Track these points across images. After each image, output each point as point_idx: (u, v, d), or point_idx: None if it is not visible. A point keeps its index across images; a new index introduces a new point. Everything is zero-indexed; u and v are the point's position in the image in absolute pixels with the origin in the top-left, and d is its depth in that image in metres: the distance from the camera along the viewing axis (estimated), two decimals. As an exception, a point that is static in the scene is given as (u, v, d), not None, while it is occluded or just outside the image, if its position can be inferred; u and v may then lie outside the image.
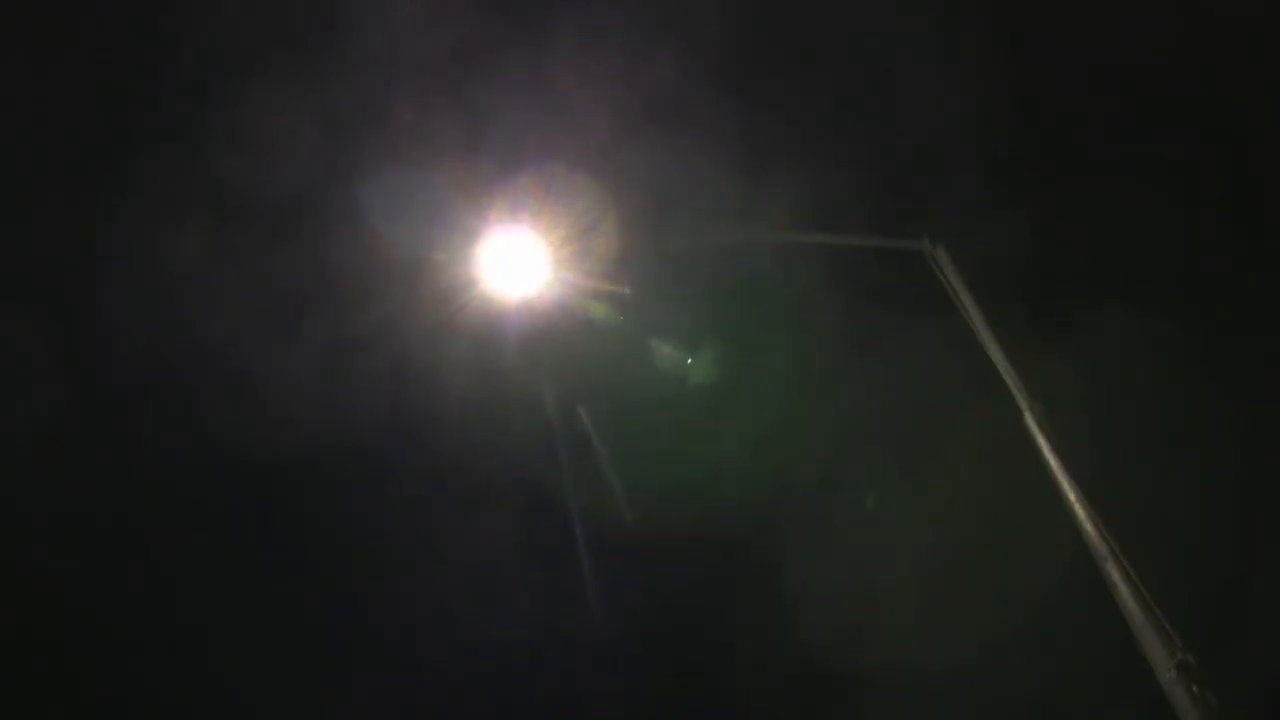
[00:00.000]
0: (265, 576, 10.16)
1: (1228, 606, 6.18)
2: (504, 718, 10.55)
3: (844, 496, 8.67)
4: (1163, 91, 7.40)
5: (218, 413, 9.30)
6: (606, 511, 9.25)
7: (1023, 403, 5.52)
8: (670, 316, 8.04)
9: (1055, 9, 7.59)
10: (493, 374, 8.52)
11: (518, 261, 7.04)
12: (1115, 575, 4.85)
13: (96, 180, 8.63)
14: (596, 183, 7.58)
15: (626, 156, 7.78)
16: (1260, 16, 7.19)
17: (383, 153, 8.10)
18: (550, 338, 7.56)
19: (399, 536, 10.29)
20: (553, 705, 10.21)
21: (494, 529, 9.91)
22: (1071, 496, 5.15)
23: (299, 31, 8.00)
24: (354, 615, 10.44)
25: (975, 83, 7.37)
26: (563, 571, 9.76)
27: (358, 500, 10.20)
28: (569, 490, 9.47)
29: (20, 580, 9.43)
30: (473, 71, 7.90)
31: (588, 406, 8.97)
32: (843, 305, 7.96)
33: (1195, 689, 4.46)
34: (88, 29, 8.13)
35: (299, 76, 8.01)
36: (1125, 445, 6.81)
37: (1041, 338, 6.60)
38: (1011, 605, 7.48)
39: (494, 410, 9.08)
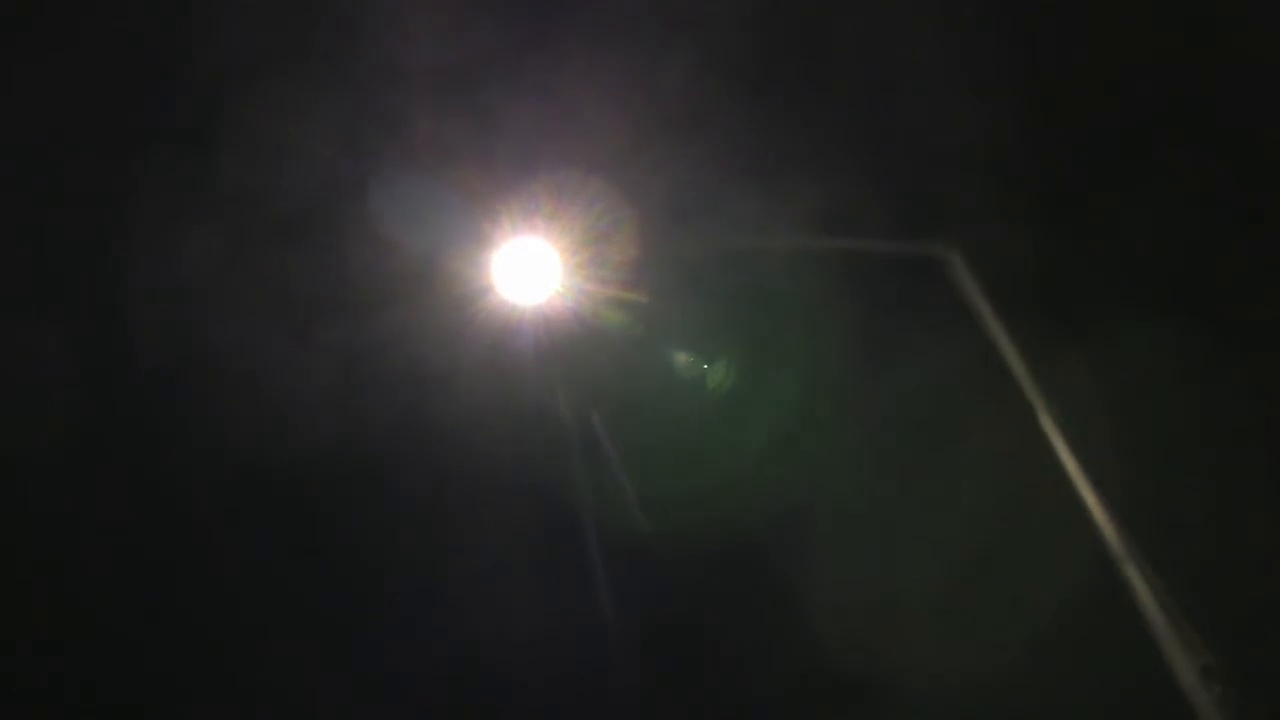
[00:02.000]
0: (269, 581, 10.14)
1: (1250, 608, 6.15)
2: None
3: (861, 502, 8.63)
4: (1182, 97, 7.41)
5: (225, 418, 9.30)
6: (621, 519, 9.22)
7: (1040, 406, 5.53)
8: (685, 323, 8.04)
9: (1076, 14, 7.60)
10: (506, 382, 8.51)
11: (531, 268, 7.04)
12: (1135, 577, 4.84)
13: (103, 183, 8.65)
14: (610, 189, 7.59)
15: (641, 162, 7.79)
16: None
17: (392, 157, 8.12)
18: (564, 345, 7.56)
19: (409, 544, 10.27)
20: (565, 713, 10.16)
21: (507, 537, 9.89)
22: (1090, 500, 5.15)
23: (309, 35, 8.03)
24: (361, 622, 10.41)
25: (993, 88, 7.38)
26: (576, 580, 9.73)
27: (366, 508, 10.19)
28: (583, 498, 9.45)
29: (27, 582, 9.44)
30: (485, 74, 7.92)
31: (602, 414, 8.96)
32: (858, 311, 7.95)
33: (1218, 692, 4.43)
34: (97, 29, 8.17)
35: (309, 80, 8.04)
36: (1144, 448, 6.79)
37: (1058, 341, 6.59)
38: (1029, 607, 7.45)
39: (507, 418, 9.07)
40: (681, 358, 8.38)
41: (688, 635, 9.85)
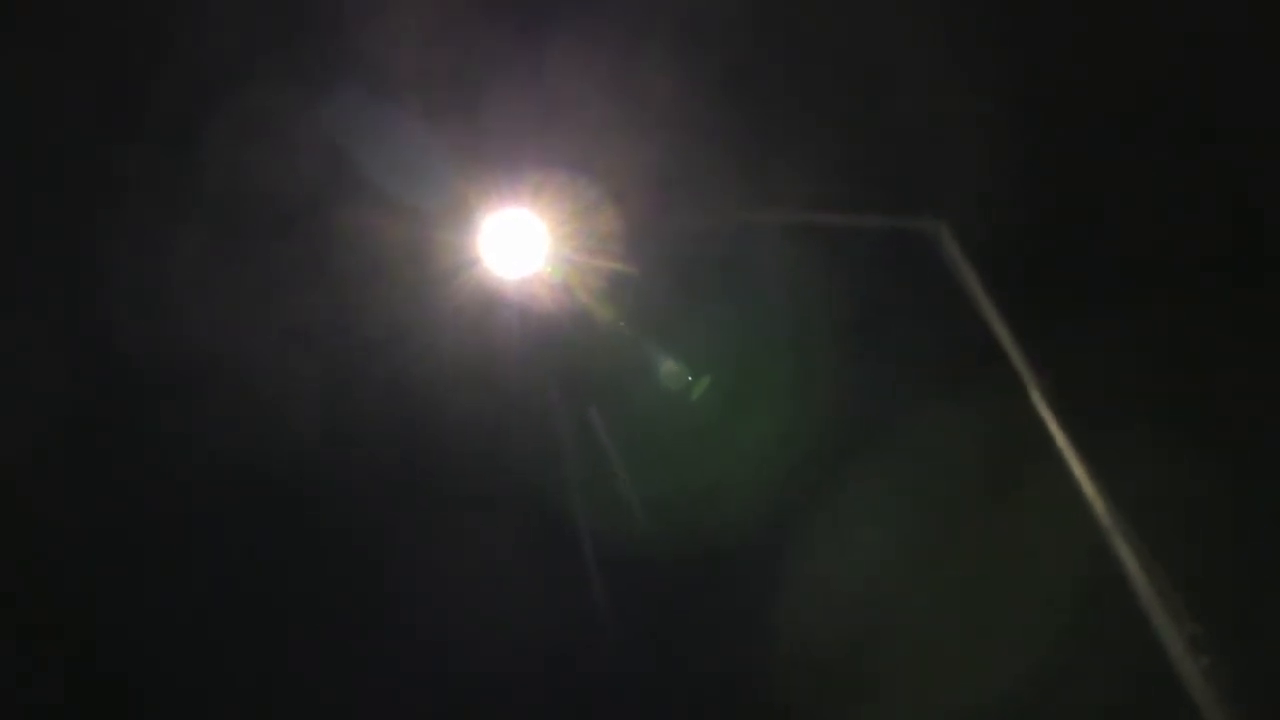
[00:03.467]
0: (250, 581, 10.07)
1: (1238, 580, 6.17)
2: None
3: (857, 486, 8.61)
4: (1172, 75, 7.44)
5: (201, 403, 9.22)
6: (608, 500, 9.17)
7: (1029, 380, 5.52)
8: (672, 297, 8.00)
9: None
10: (494, 357, 8.45)
11: (519, 241, 6.98)
12: (1124, 551, 4.84)
13: (90, 174, 8.57)
14: (598, 163, 7.54)
15: (630, 138, 7.76)
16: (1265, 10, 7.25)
17: (374, 128, 8.05)
18: (551, 317, 7.51)
19: (394, 538, 10.19)
20: (559, 712, 10.11)
21: (495, 531, 9.82)
22: (1079, 473, 5.14)
23: (294, 13, 7.96)
24: (352, 615, 10.34)
25: (982, 61, 7.39)
26: (567, 577, 9.66)
27: (354, 493, 10.10)
28: (570, 479, 9.39)
29: (23, 581, 9.37)
30: (472, 51, 7.87)
31: (590, 397, 8.90)
32: (848, 287, 7.94)
33: (1204, 661, 4.44)
34: (83, 26, 8.09)
35: (296, 59, 7.97)
36: (1134, 421, 6.81)
37: (1048, 315, 6.60)
38: (1022, 583, 7.48)
39: (495, 396, 9.01)
40: (668, 335, 8.33)
41: (684, 634, 9.82)
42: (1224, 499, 6.69)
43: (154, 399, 9.42)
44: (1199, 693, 4.40)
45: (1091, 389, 6.20)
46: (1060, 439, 5.24)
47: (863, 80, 7.72)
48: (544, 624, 9.78)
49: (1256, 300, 7.17)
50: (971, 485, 7.85)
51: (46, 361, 8.78)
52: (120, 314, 8.84)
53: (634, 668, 9.69)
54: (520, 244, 6.92)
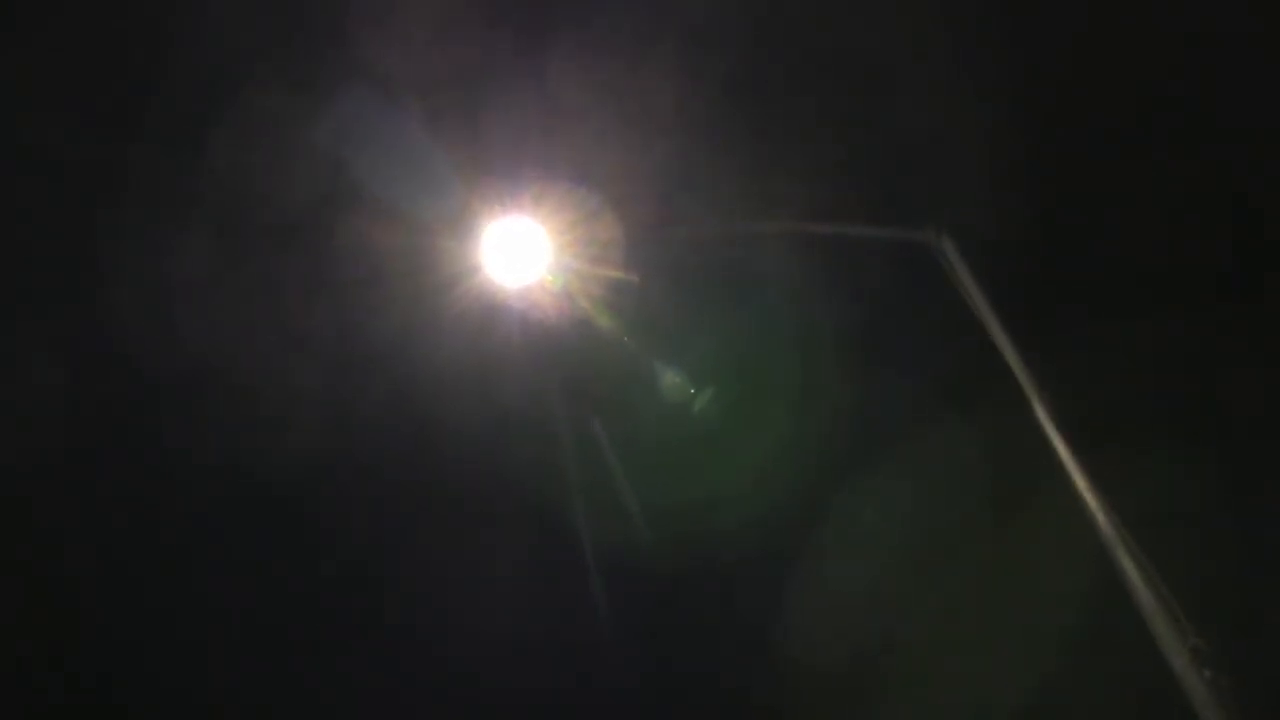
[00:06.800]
0: (253, 586, 10.07)
1: (1240, 593, 6.19)
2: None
3: (857, 498, 8.61)
4: (1170, 82, 7.45)
5: (205, 411, 9.22)
6: (610, 510, 9.17)
7: (1031, 392, 5.51)
8: (673, 307, 8.00)
9: (1067, 4, 7.64)
10: (495, 370, 8.46)
11: (520, 249, 6.98)
12: (1126, 563, 4.85)
13: (91, 177, 8.56)
14: (598, 171, 7.54)
15: (631, 145, 7.76)
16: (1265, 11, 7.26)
17: (376, 135, 8.04)
18: (552, 326, 7.52)
19: (396, 545, 10.19)
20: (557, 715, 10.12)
21: (497, 538, 9.82)
22: (1081, 485, 5.14)
23: (298, 20, 7.95)
24: (354, 618, 10.34)
25: (980, 72, 7.39)
26: (569, 585, 9.67)
27: (350, 505, 10.10)
28: (572, 495, 9.38)
29: (24, 583, 9.38)
30: (473, 51, 7.86)
31: (591, 405, 8.90)
32: (849, 298, 7.95)
33: (1207, 674, 4.45)
34: (85, 27, 8.07)
35: (296, 66, 7.96)
36: (1136, 433, 6.82)
37: (1049, 326, 6.61)
38: (1023, 595, 7.49)
39: (496, 410, 9.01)
40: (670, 343, 8.34)
41: (686, 642, 9.82)
42: (1227, 512, 6.70)
43: (155, 406, 9.42)
44: (1202, 706, 4.42)
45: (1094, 401, 6.22)
46: (1062, 452, 5.24)
47: (864, 89, 7.72)
48: (546, 632, 9.79)
49: (1259, 306, 7.18)
50: (973, 498, 7.86)
51: (48, 367, 8.78)
52: (129, 321, 8.84)
53: (635, 675, 9.71)
54: (522, 252, 6.92)
